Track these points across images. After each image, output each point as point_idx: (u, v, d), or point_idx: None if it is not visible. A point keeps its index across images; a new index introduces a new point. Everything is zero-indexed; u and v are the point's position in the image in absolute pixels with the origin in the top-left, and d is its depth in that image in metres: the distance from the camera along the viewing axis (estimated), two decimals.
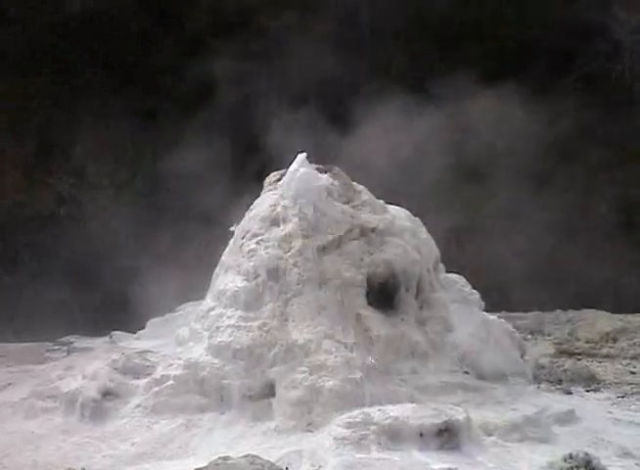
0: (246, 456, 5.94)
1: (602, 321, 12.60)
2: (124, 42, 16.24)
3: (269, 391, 7.76)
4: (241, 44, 15.57)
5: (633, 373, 10.26)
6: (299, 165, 9.28)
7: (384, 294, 8.65)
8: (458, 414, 6.76)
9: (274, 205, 9.06)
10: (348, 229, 8.81)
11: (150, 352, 8.85)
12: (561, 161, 16.11)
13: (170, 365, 8.20)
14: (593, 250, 15.32)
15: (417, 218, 9.57)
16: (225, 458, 5.92)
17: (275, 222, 8.93)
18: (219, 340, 8.21)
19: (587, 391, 9.33)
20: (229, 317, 8.42)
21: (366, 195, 9.38)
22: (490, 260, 14.49)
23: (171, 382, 7.94)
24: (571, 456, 6.07)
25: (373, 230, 8.88)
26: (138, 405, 7.85)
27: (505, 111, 14.06)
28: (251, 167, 14.22)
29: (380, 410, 6.86)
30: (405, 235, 9.06)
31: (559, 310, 14.37)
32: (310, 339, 7.93)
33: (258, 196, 9.59)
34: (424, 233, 9.43)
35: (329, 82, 14.95)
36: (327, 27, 15.80)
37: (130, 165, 16.38)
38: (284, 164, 9.55)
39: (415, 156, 13.30)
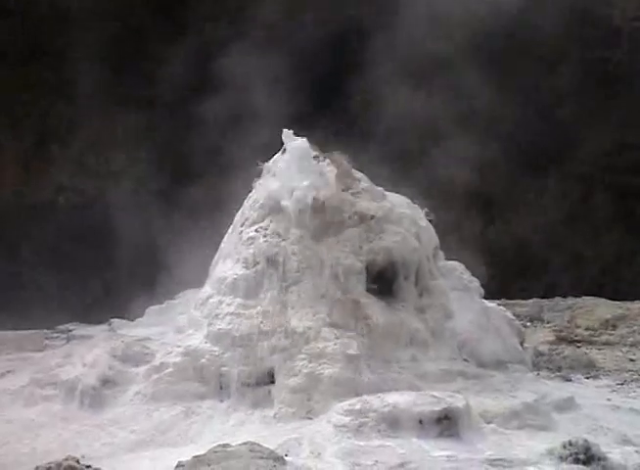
0: (245, 443, 5.94)
1: (601, 308, 12.60)
2: (122, 33, 16.19)
3: (268, 378, 7.77)
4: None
5: (632, 360, 10.27)
6: (298, 153, 9.24)
7: (383, 281, 8.63)
8: (457, 402, 6.76)
9: (272, 192, 9.03)
10: (347, 217, 8.78)
11: (149, 339, 8.82)
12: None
13: (169, 353, 8.19)
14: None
15: (416, 205, 9.52)
16: (225, 445, 5.91)
17: (273, 210, 8.90)
18: (218, 327, 8.20)
19: (587, 378, 9.35)
20: (228, 305, 8.42)
21: (365, 182, 9.33)
22: None
23: (170, 369, 7.94)
24: (570, 443, 6.09)
25: (372, 218, 8.83)
26: (137, 393, 7.85)
27: None
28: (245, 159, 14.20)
29: (379, 398, 6.86)
30: (404, 222, 9.02)
31: (558, 298, 14.34)
32: (309, 326, 7.92)
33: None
34: (423, 220, 9.36)
35: None
36: None
37: (129, 153, 16.34)
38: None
39: None
